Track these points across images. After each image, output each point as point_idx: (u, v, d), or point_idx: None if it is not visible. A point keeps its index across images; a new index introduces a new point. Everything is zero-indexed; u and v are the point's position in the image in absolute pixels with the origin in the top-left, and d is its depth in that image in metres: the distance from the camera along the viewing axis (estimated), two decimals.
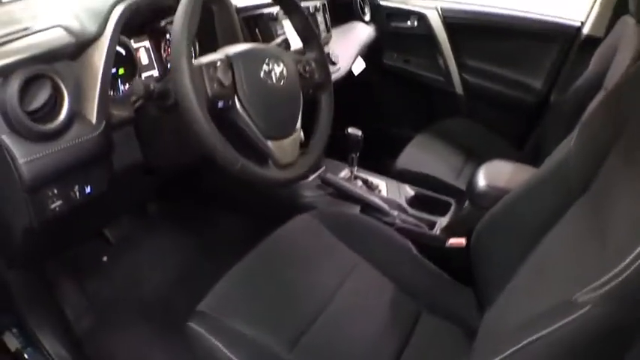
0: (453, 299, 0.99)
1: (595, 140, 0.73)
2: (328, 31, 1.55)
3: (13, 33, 0.78)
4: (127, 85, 0.99)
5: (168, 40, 1.07)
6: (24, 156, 0.75)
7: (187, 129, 0.74)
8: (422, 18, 1.87)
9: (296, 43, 1.04)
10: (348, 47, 1.68)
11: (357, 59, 1.72)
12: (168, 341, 1.20)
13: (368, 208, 1.28)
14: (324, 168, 1.43)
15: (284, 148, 0.86)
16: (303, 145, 0.95)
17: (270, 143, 0.84)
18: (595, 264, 0.55)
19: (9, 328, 1.12)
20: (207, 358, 0.81)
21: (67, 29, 0.81)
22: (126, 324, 1.30)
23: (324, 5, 1.52)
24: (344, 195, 1.32)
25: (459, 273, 1.02)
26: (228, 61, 0.81)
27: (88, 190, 0.86)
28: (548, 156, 0.83)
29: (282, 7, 1.01)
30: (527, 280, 0.77)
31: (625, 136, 0.66)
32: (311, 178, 1.39)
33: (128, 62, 0.99)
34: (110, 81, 0.87)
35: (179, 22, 0.74)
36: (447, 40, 1.85)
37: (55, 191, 0.81)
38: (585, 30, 1.60)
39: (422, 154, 1.56)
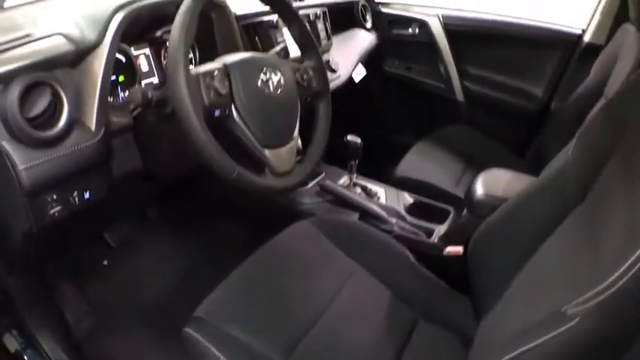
0: (449, 307, 0.98)
1: (593, 149, 0.73)
2: (329, 38, 1.55)
3: (14, 40, 0.79)
4: (127, 92, 1.00)
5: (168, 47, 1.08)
6: (24, 162, 0.76)
7: (185, 137, 0.75)
8: (423, 25, 1.87)
9: (295, 50, 1.05)
10: (348, 54, 1.68)
11: (357, 66, 1.73)
12: (167, 346, 1.20)
13: (366, 215, 1.28)
14: (323, 175, 1.44)
15: (281, 157, 0.86)
16: (301, 153, 0.96)
17: (267, 152, 0.84)
18: (587, 275, 0.55)
19: (9, 330, 1.12)
20: None
21: (67, 37, 0.82)
22: (125, 328, 1.30)
23: (324, 13, 1.53)
24: (343, 202, 1.32)
25: (457, 281, 1.01)
26: (226, 70, 0.82)
27: (87, 195, 0.87)
28: (549, 164, 0.83)
29: (280, 16, 1.02)
30: (522, 289, 0.77)
31: (624, 145, 0.66)
32: (310, 184, 1.39)
33: (128, 69, 1.00)
34: (110, 88, 0.88)
35: (176, 31, 0.75)
36: (448, 48, 1.85)
37: (55, 197, 0.82)
38: (586, 38, 1.60)
39: (422, 162, 1.56)
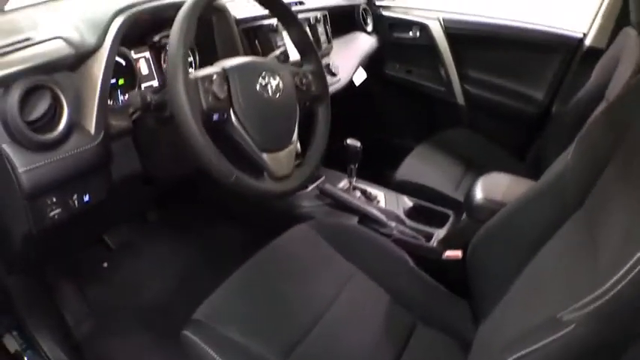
0: (448, 311, 0.98)
1: (593, 153, 0.73)
2: (329, 42, 1.55)
3: (15, 43, 0.79)
4: (127, 96, 1.00)
5: None
6: (24, 165, 0.76)
7: (183, 141, 0.75)
8: (424, 29, 1.88)
9: (296, 54, 1.05)
10: (349, 58, 1.69)
11: (358, 70, 1.73)
12: (167, 348, 1.20)
13: (366, 219, 1.28)
14: (323, 178, 1.44)
15: (279, 161, 0.87)
16: (300, 157, 0.96)
17: (265, 156, 0.85)
18: (585, 280, 0.55)
19: (9, 331, 1.13)
20: None
21: (67, 40, 0.83)
22: (125, 330, 1.30)
23: (325, 16, 1.53)
24: (342, 206, 1.32)
25: (456, 285, 1.01)
26: (224, 75, 0.82)
27: (86, 198, 0.88)
28: (548, 168, 0.83)
29: (279, 20, 1.02)
30: (521, 294, 0.77)
31: (624, 149, 0.66)
32: (310, 188, 1.39)
33: (128, 73, 1.00)
34: (110, 91, 0.88)
35: (175, 36, 0.75)
36: (448, 51, 1.85)
37: (54, 199, 0.83)
38: (587, 41, 1.60)
39: (422, 165, 1.56)
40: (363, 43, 1.87)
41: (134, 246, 1.49)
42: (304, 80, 0.95)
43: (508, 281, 0.81)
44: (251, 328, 0.86)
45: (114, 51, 0.86)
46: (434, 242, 1.25)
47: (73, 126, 0.81)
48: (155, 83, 1.08)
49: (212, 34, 1.14)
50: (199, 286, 0.95)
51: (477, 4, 1.90)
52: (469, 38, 1.83)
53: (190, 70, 1.14)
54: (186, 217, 1.63)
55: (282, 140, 0.88)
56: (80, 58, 0.84)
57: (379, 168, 1.61)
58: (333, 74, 1.50)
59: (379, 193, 1.42)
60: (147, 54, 1.06)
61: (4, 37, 0.80)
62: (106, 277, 1.41)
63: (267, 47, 1.24)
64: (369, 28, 1.93)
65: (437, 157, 1.60)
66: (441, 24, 1.85)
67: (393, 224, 1.26)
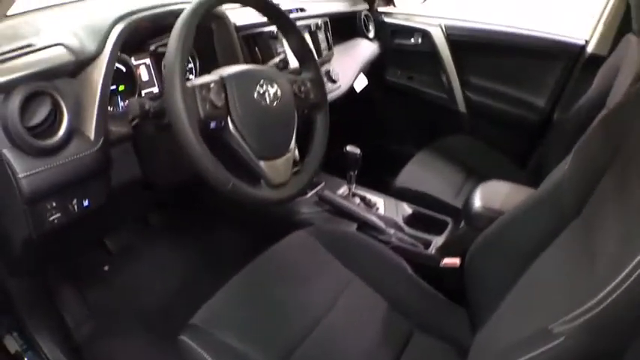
0: (446, 319, 0.98)
1: (591, 162, 0.72)
2: (330, 48, 1.56)
3: (17, 49, 0.80)
4: (127, 102, 1.01)
5: None
6: (24, 170, 0.77)
7: (181, 149, 0.75)
8: (426, 35, 1.88)
9: (295, 61, 1.05)
10: (350, 64, 1.69)
11: (359, 76, 1.73)
12: (167, 352, 1.21)
13: (365, 225, 1.29)
14: (322, 184, 1.44)
15: (277, 168, 0.87)
16: (299, 164, 0.96)
17: (262, 163, 0.85)
18: (579, 290, 0.55)
19: (10, 332, 1.13)
20: None
21: (67, 47, 0.84)
22: (125, 333, 1.31)
23: (325, 23, 1.53)
24: (341, 212, 1.33)
25: (454, 293, 1.01)
26: (222, 83, 0.83)
27: (86, 203, 0.88)
28: (547, 177, 0.82)
29: (278, 28, 1.03)
30: (516, 302, 0.76)
31: (621, 158, 0.66)
32: (309, 194, 1.40)
33: (129, 79, 1.01)
34: (110, 98, 0.89)
35: (173, 44, 0.76)
36: (450, 58, 1.85)
37: (54, 204, 0.83)
38: (589, 48, 1.60)
39: (422, 172, 1.56)
40: (365, 49, 1.87)
41: (134, 250, 1.50)
42: (303, 88, 0.95)
43: (504, 289, 0.81)
44: (248, 333, 0.86)
45: (114, 58, 0.87)
46: (432, 250, 1.25)
47: (73, 132, 0.82)
48: (155, 89, 1.09)
49: (212, 41, 1.14)
50: (199, 290, 0.95)
51: (479, 11, 1.90)
52: (471, 45, 1.83)
53: (190, 76, 1.15)
54: (187, 221, 1.63)
55: (279, 148, 0.89)
56: (80, 64, 0.84)
57: (379, 174, 1.61)
58: (334, 81, 1.50)
59: (378, 200, 1.42)
60: (147, 60, 1.07)
61: (7, 43, 0.81)
62: (107, 280, 1.42)
63: (267, 54, 1.25)
64: (371, 34, 1.93)
65: (437, 164, 1.60)
66: (442, 31, 1.84)
67: (391, 231, 1.27)
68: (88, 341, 1.25)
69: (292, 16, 1.36)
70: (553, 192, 0.78)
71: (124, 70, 1.00)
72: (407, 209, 1.41)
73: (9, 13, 0.92)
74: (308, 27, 1.44)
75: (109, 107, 0.94)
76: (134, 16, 0.92)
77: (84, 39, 0.86)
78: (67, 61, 0.82)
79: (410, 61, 1.97)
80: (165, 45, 0.78)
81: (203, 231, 1.61)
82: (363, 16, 1.90)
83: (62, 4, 1.00)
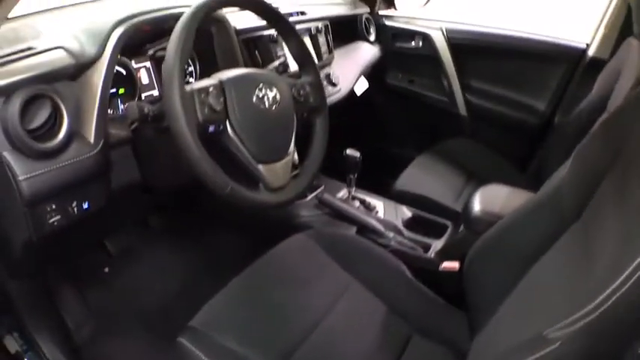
0: (445, 322, 0.98)
1: (591, 166, 0.72)
2: (330, 52, 1.56)
3: (17, 52, 0.81)
4: (126, 105, 1.01)
5: None
6: (24, 172, 0.77)
7: (179, 152, 0.76)
8: (426, 38, 1.88)
9: (295, 65, 1.06)
10: (351, 67, 1.69)
11: (360, 79, 1.74)
12: (167, 353, 1.21)
13: (364, 229, 1.29)
14: (322, 188, 1.44)
15: (275, 172, 0.87)
16: (298, 167, 0.96)
17: (261, 167, 0.85)
18: (577, 295, 0.55)
19: (10, 332, 1.13)
20: None
21: (68, 50, 0.84)
22: (125, 335, 1.31)
23: (326, 26, 1.54)
24: (340, 215, 1.33)
25: (453, 296, 1.01)
26: (221, 87, 0.83)
27: (85, 206, 0.89)
28: (547, 180, 0.82)
29: (278, 31, 1.03)
30: (514, 307, 0.76)
31: (621, 161, 0.66)
32: (309, 197, 1.40)
33: (129, 82, 1.01)
34: (110, 101, 0.89)
35: (172, 47, 0.76)
36: (451, 61, 1.85)
37: (54, 206, 0.84)
38: (591, 52, 1.60)
39: (422, 176, 1.56)
40: (365, 52, 1.87)
41: (134, 252, 1.50)
42: (302, 92, 0.95)
43: (504, 293, 0.80)
44: (247, 336, 0.86)
45: (114, 61, 0.87)
46: (431, 253, 1.25)
47: (73, 135, 0.83)
48: (155, 93, 1.09)
49: (212, 44, 1.15)
50: (199, 292, 0.95)
51: (480, 14, 1.90)
52: (472, 48, 1.83)
53: (191, 80, 1.16)
54: (187, 224, 1.64)
55: (278, 151, 0.89)
56: (80, 67, 0.85)
57: (380, 178, 1.61)
58: (334, 84, 1.50)
59: (378, 203, 1.42)
60: (147, 64, 1.07)
61: (8, 46, 0.81)
62: (107, 281, 1.42)
63: (267, 57, 1.25)
64: (372, 37, 1.93)
65: (438, 168, 1.60)
66: (443, 34, 1.85)
67: (391, 235, 1.27)
68: (88, 342, 1.25)
69: (292, 19, 1.37)
70: (553, 195, 0.78)
71: (124, 73, 1.00)
72: (406, 212, 1.41)
73: (10, 15, 0.93)
74: (308, 30, 1.45)
75: (108, 110, 0.94)
76: (134, 20, 0.93)
77: (84, 42, 0.86)
78: (68, 64, 0.83)
79: (411, 64, 1.98)
80: (165, 48, 0.79)
81: (203, 234, 1.61)
82: (364, 20, 1.90)
83: (63, 7, 1.01)
